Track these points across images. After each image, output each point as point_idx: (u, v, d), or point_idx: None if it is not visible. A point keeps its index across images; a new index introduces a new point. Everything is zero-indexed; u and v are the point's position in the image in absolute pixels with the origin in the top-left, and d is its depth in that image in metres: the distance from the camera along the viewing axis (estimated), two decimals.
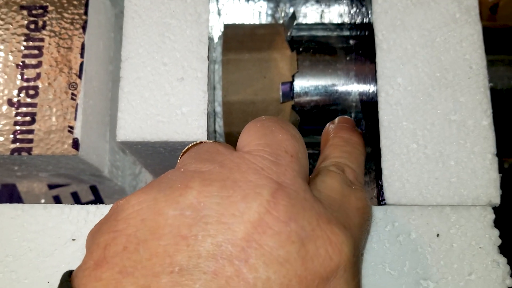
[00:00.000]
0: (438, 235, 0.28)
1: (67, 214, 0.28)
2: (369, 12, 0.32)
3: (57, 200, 0.43)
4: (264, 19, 0.48)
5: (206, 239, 0.18)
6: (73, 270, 0.19)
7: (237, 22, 0.46)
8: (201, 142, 0.23)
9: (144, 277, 0.17)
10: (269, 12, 0.47)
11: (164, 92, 0.30)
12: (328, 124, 0.30)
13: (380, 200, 0.29)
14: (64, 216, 0.28)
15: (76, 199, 0.43)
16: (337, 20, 0.47)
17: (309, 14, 0.47)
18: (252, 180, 0.19)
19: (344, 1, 0.40)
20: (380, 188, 0.29)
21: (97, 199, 0.44)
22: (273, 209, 0.19)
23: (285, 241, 0.18)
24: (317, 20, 0.48)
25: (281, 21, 0.47)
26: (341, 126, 0.29)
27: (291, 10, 0.46)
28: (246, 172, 0.20)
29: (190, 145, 0.24)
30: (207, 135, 0.30)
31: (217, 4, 0.41)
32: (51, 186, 0.43)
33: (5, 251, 0.27)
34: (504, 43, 0.36)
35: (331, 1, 0.46)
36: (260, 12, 0.47)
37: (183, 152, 0.24)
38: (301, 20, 0.47)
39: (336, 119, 0.30)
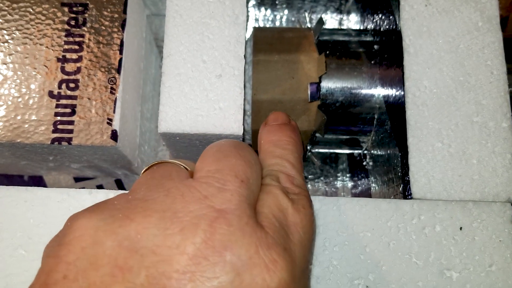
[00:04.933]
0: (461, 228, 0.29)
1: None
2: (396, 19, 0.34)
3: None
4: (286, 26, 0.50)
5: (141, 271, 0.18)
6: None
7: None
8: (161, 162, 0.24)
9: None
10: (292, 19, 0.49)
11: (203, 87, 0.32)
12: (261, 126, 0.29)
13: (407, 194, 0.30)
14: None
15: None
16: (355, 27, 0.49)
17: (329, 22, 0.49)
18: (192, 210, 0.20)
19: (367, 9, 0.42)
20: (407, 183, 0.30)
21: None
22: (209, 239, 0.19)
23: (219, 272, 0.18)
24: (336, 27, 0.50)
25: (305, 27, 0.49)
26: (268, 129, 0.28)
27: (313, 17, 0.48)
28: (188, 202, 0.20)
29: (152, 163, 0.24)
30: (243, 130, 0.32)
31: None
32: (77, 179, 0.45)
33: (51, 233, 0.28)
34: None
35: (351, 8, 0.48)
36: (281, 19, 0.49)
37: (145, 169, 0.24)
38: None
39: (267, 118, 0.29)
